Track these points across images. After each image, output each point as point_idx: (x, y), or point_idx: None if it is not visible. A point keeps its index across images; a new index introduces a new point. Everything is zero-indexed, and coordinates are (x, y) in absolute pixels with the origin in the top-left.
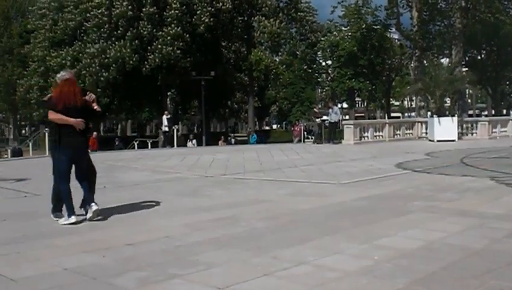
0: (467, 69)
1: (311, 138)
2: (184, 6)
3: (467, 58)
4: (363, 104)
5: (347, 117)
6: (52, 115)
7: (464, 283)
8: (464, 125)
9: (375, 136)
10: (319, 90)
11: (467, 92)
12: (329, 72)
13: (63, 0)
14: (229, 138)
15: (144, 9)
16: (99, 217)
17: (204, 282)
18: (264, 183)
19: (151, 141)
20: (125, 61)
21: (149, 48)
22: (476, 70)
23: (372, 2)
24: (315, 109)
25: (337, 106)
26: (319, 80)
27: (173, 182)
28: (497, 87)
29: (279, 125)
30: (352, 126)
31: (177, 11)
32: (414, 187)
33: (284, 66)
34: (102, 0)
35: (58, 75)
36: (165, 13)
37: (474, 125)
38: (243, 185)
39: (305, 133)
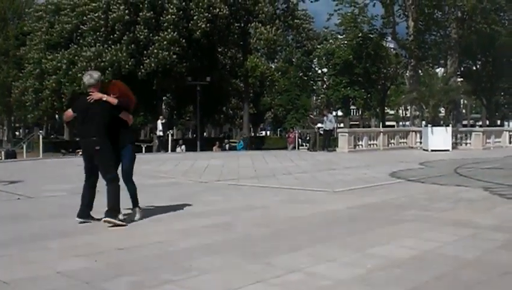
0: (462, 79)
1: (306, 145)
2: (181, 12)
3: (462, 69)
4: (358, 113)
5: (342, 125)
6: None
7: None
8: (458, 135)
9: (370, 144)
10: (314, 97)
11: (462, 102)
12: (325, 79)
13: (59, 3)
14: (224, 144)
15: (140, 14)
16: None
17: (197, 288)
18: (258, 190)
19: (145, 145)
20: (121, 65)
21: (145, 52)
22: (471, 80)
23: (368, 10)
24: (311, 116)
25: (332, 113)
26: (314, 87)
27: (167, 187)
28: (492, 97)
29: (273, 132)
30: (346, 134)
31: (173, 16)
32: (408, 196)
33: (280, 73)
34: (99, 3)
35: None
36: (161, 18)
37: (469, 135)
38: (237, 192)
39: (300, 140)
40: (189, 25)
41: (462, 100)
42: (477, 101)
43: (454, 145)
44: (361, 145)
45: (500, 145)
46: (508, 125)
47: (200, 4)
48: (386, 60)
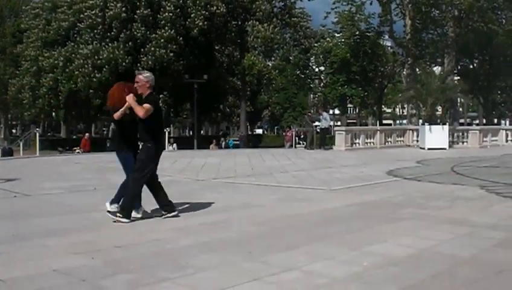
0: (459, 77)
1: (303, 143)
2: (178, 9)
3: (459, 67)
4: (355, 111)
5: (339, 123)
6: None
7: None
8: (455, 134)
9: (367, 142)
10: (311, 96)
11: (459, 101)
12: (322, 78)
13: (56, 0)
14: (221, 142)
15: (137, 12)
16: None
17: (194, 286)
18: (255, 188)
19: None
20: (118, 62)
21: (142, 50)
22: (468, 79)
23: (365, 9)
24: (309, 113)
25: (327, 112)
26: (311, 85)
27: (164, 185)
28: (489, 96)
29: (270, 130)
30: (343, 132)
31: (171, 14)
32: (405, 195)
33: (277, 71)
34: (96, 1)
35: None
36: (158, 16)
37: (465, 134)
38: (234, 190)
39: (297, 138)
40: (187, 22)
41: (459, 99)
42: (474, 99)
43: (451, 144)
44: (359, 143)
45: (496, 143)
46: (505, 124)
47: (198, 2)
48: (383, 58)
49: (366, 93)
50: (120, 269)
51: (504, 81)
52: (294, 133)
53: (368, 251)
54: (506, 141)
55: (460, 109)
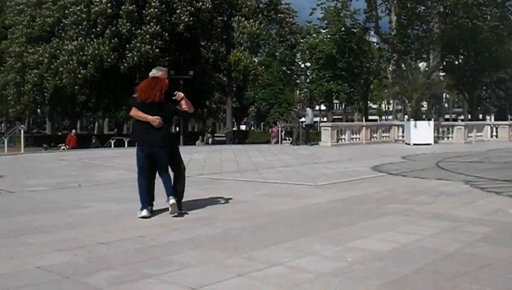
0: (444, 73)
1: (289, 139)
2: (163, 5)
3: (444, 63)
4: (341, 107)
5: (325, 119)
6: (132, 112)
7: (436, 286)
8: (440, 130)
9: (352, 138)
10: (298, 92)
11: (444, 97)
12: (308, 74)
13: None
14: (206, 138)
15: (123, 7)
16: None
17: (178, 282)
18: (241, 184)
19: (128, 139)
20: (103, 58)
21: (128, 46)
22: (453, 75)
23: (351, 5)
24: (294, 109)
25: (312, 108)
26: (297, 81)
27: None
28: (474, 92)
29: (256, 126)
30: (329, 128)
31: (156, 10)
32: (389, 190)
33: (263, 67)
34: None
35: (150, 73)
36: (144, 11)
37: (451, 129)
38: (219, 186)
39: (283, 134)
40: (172, 18)
41: (444, 94)
42: (459, 95)
43: (437, 139)
44: (344, 139)
45: (481, 139)
46: (490, 120)
47: None
48: (369, 54)
49: (352, 89)
50: (104, 265)
51: (489, 77)
52: (280, 129)
53: (352, 246)
54: (491, 136)
55: (446, 105)
